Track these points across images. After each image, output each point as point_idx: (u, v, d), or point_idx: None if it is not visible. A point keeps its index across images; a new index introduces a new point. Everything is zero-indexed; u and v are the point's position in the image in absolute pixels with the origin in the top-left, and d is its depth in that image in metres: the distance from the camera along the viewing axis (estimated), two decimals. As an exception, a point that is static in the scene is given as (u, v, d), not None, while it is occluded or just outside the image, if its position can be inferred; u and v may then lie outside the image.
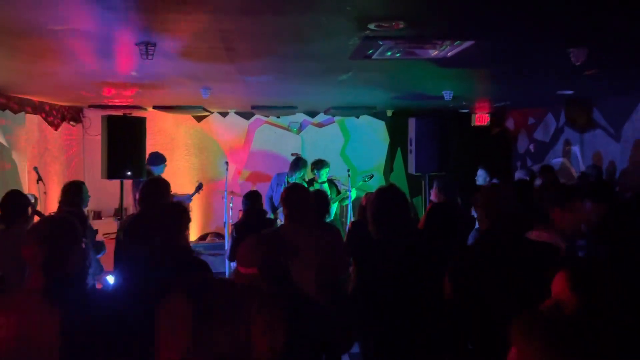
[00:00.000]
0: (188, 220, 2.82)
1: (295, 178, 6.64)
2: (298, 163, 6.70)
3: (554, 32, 3.20)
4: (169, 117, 8.48)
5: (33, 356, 1.89)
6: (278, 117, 8.92)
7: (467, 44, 3.32)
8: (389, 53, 3.63)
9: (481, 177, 6.85)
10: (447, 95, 5.95)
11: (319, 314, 2.06)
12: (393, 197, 2.70)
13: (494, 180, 6.63)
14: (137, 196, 4.03)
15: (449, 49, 3.47)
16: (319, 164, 6.76)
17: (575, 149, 7.42)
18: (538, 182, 5.25)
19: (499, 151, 8.97)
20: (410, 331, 2.43)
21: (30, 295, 1.96)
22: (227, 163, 7.31)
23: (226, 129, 8.86)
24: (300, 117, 8.95)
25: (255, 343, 1.81)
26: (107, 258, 5.20)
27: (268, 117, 8.88)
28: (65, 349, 1.88)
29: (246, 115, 8.84)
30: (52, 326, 1.89)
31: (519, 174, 6.76)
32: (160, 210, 2.86)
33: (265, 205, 6.62)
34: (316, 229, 3.27)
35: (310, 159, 8.46)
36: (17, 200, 3.87)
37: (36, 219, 3.90)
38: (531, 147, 8.51)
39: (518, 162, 8.77)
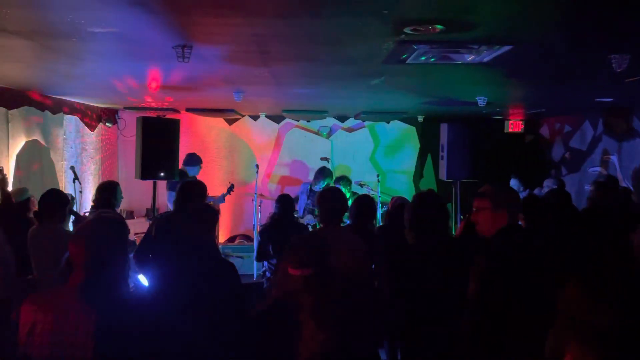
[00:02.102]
0: (215, 221, 2.84)
1: (320, 187, 6.66)
2: (322, 172, 6.71)
3: (595, 38, 3.12)
4: (201, 120, 8.60)
5: (67, 353, 1.91)
6: (308, 121, 8.94)
7: (505, 48, 3.25)
8: (423, 58, 3.58)
9: (514, 186, 6.72)
10: (481, 101, 5.85)
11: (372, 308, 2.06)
12: (432, 203, 2.67)
13: (527, 191, 6.48)
14: (175, 196, 4.10)
15: (486, 54, 3.41)
16: (342, 180, 6.72)
17: (614, 158, 7.21)
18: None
19: (533, 159, 8.78)
20: (445, 337, 2.39)
21: (69, 294, 1.97)
22: (257, 166, 7.35)
23: (257, 132, 8.93)
24: (330, 121, 8.95)
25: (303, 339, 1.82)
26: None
27: (298, 121, 8.90)
28: (99, 350, 1.89)
29: (277, 119, 8.88)
30: (88, 326, 1.90)
31: (547, 183, 6.60)
32: (190, 211, 2.89)
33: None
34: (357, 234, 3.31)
35: (339, 163, 8.46)
36: (55, 199, 3.95)
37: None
38: (567, 155, 8.30)
39: (553, 170, 8.56)
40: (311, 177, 7.91)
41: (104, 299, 1.95)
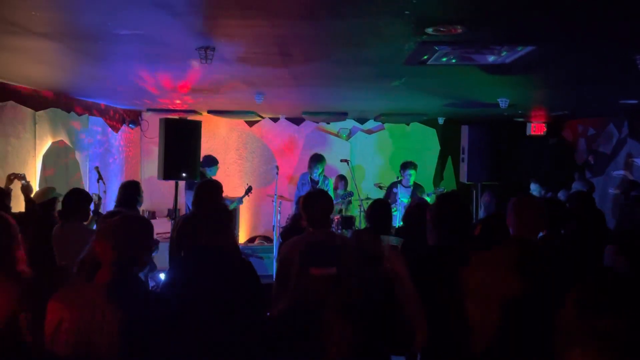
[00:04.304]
0: (229, 220, 2.85)
1: (317, 174, 6.73)
2: (315, 159, 6.87)
3: (619, 38, 3.07)
4: (222, 122, 8.67)
5: (93, 350, 1.92)
6: (328, 123, 8.96)
7: (527, 49, 3.23)
8: (444, 59, 3.58)
9: (535, 190, 6.64)
10: (503, 103, 5.80)
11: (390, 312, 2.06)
12: (454, 204, 2.65)
13: (549, 194, 6.40)
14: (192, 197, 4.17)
15: (508, 55, 3.39)
16: (411, 165, 6.82)
17: (639, 161, 7.07)
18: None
19: (555, 162, 8.66)
20: (466, 339, 2.38)
21: (96, 292, 1.98)
22: (277, 167, 7.39)
23: (277, 134, 8.98)
24: (350, 123, 8.96)
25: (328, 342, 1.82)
26: (160, 256, 5.36)
27: (318, 122, 8.93)
28: (125, 347, 1.90)
29: (296, 121, 8.92)
30: (114, 324, 1.91)
31: (576, 186, 6.50)
32: (205, 211, 2.92)
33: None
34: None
35: (358, 165, 8.47)
36: (77, 197, 4.04)
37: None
38: (590, 158, 8.16)
39: (576, 174, 8.43)
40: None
41: (130, 297, 1.96)
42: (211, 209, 2.91)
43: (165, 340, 1.96)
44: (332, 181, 6.99)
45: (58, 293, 2.04)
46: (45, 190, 4.55)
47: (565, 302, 1.41)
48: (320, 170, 6.83)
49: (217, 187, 4.17)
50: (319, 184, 6.81)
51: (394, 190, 6.85)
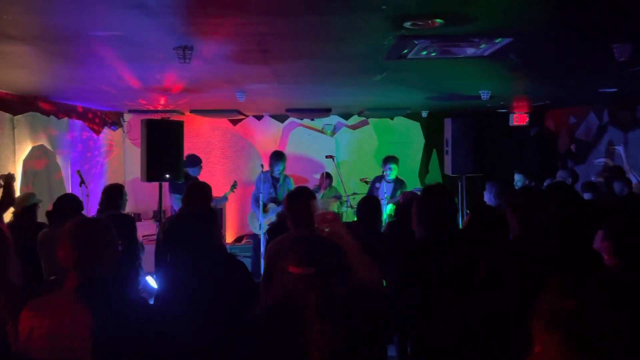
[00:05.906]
0: (214, 221, 2.84)
1: (278, 171, 6.74)
2: (276, 156, 6.80)
3: (596, 27, 3.10)
4: (205, 121, 8.62)
5: (68, 355, 1.91)
6: (312, 120, 8.95)
7: (506, 41, 3.24)
8: (424, 52, 3.58)
9: (520, 181, 6.69)
10: (485, 94, 5.83)
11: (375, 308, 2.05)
12: (441, 197, 2.66)
13: (533, 184, 6.45)
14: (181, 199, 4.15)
15: (487, 47, 3.40)
16: (392, 160, 6.71)
17: (620, 148, 7.17)
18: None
19: (538, 152, 8.75)
20: (454, 331, 2.40)
21: (64, 297, 1.97)
22: (262, 165, 7.36)
23: (261, 132, 8.95)
24: (334, 119, 8.96)
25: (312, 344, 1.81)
26: (146, 259, 5.32)
27: (302, 119, 8.91)
28: (97, 351, 1.88)
29: (280, 118, 8.90)
30: (84, 328, 1.89)
31: (560, 175, 6.56)
32: (190, 213, 2.90)
33: (252, 205, 6.82)
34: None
35: (343, 160, 8.49)
36: (69, 203, 4.01)
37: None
38: (572, 147, 8.26)
39: (559, 162, 8.53)
40: (316, 176, 7.96)
41: (100, 300, 1.94)
42: (198, 210, 2.89)
43: (147, 342, 1.94)
44: (292, 181, 6.95)
45: (30, 303, 2.03)
46: (25, 197, 4.48)
47: (546, 289, 1.42)
48: (282, 168, 6.79)
49: (207, 189, 4.16)
50: (280, 182, 6.80)
51: (377, 185, 6.76)
